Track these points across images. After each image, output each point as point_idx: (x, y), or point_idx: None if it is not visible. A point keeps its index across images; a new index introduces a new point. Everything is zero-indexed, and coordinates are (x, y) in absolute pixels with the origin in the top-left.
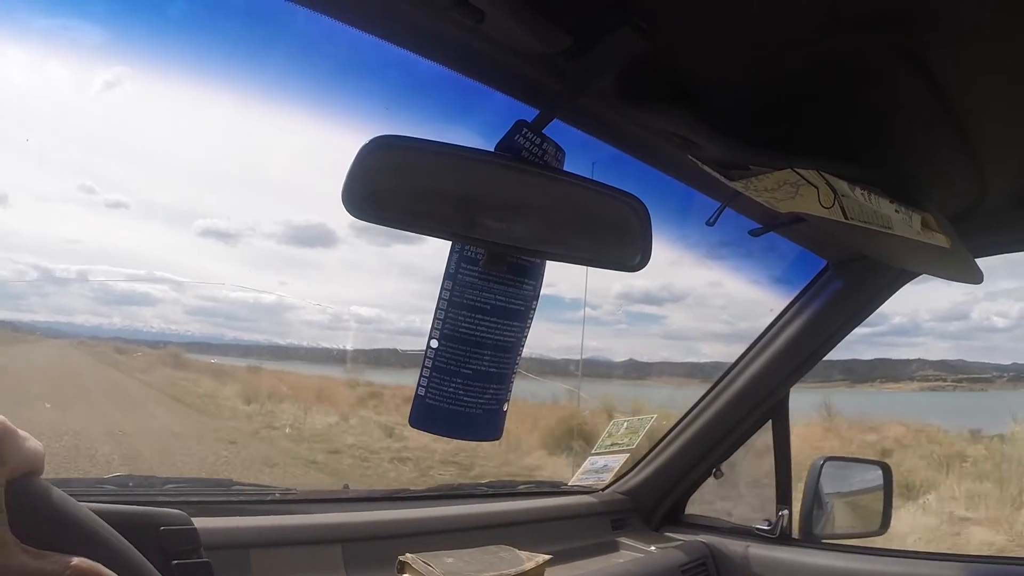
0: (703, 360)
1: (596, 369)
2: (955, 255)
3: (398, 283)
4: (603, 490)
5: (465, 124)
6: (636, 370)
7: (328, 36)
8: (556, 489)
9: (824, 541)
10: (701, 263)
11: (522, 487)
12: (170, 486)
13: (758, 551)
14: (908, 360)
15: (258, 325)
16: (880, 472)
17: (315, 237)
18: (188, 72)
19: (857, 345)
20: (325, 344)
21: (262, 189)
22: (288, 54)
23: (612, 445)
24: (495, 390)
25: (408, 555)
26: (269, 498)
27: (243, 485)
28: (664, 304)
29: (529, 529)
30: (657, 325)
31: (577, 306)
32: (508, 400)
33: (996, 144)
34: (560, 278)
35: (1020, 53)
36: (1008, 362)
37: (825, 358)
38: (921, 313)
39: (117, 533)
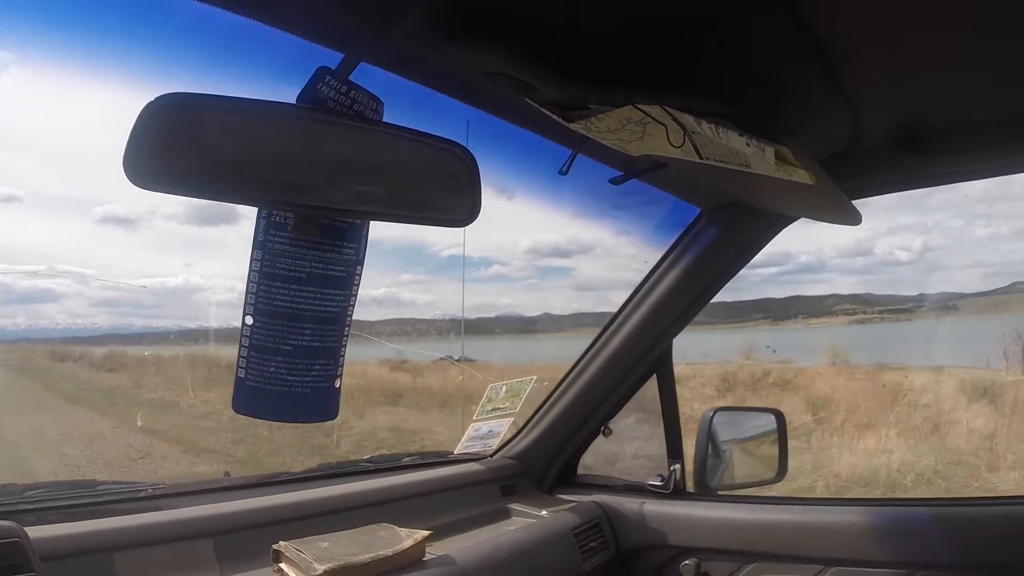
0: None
1: (516, 325)
2: (827, 195)
3: None
4: (491, 456)
5: (264, 76)
6: (553, 323)
7: None
8: (442, 459)
9: (720, 493)
10: (581, 216)
11: (407, 459)
12: (31, 493)
13: (653, 507)
14: (823, 296)
15: (167, 311)
16: (773, 419)
17: (218, 215)
18: (68, 57)
19: (764, 285)
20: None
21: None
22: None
23: (493, 410)
24: (322, 366)
25: (282, 543)
26: (137, 495)
27: (109, 484)
28: (573, 256)
29: (415, 503)
30: (568, 277)
31: (488, 263)
32: (340, 375)
33: (867, 84)
34: (459, 237)
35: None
36: (914, 293)
37: (736, 299)
38: (826, 250)
39: None
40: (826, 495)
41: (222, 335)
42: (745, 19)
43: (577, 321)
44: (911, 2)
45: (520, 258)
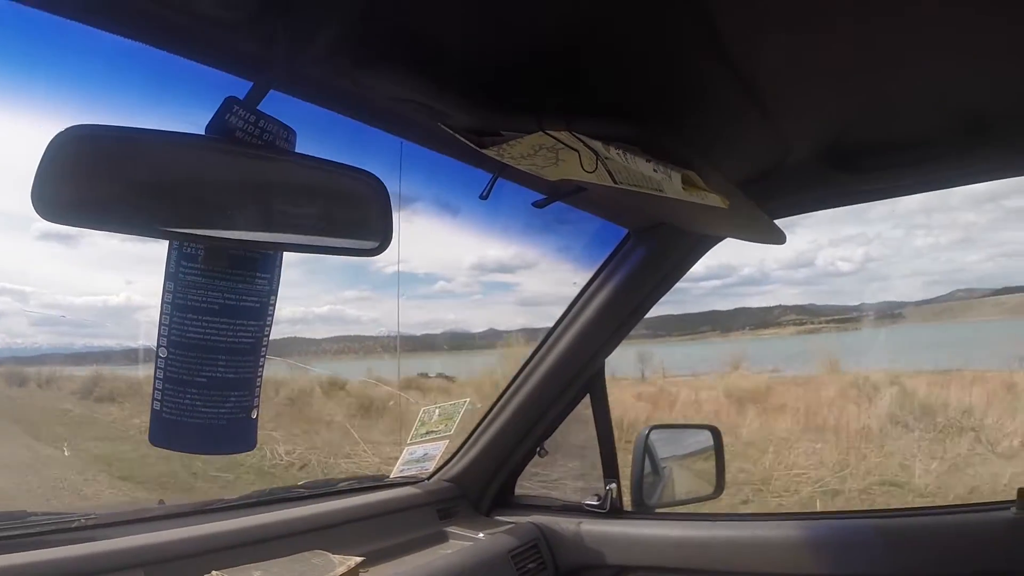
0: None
1: (460, 341)
2: (748, 217)
3: None
4: (428, 479)
5: (172, 106)
6: (498, 338)
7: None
8: (378, 483)
9: (658, 511)
10: (521, 233)
11: (342, 484)
12: None
13: (590, 527)
14: (768, 307)
15: (108, 330)
16: (710, 435)
17: None
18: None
19: (708, 298)
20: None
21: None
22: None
23: (427, 433)
24: (238, 397)
25: (214, 572)
26: (69, 526)
27: (39, 515)
28: (517, 271)
29: (351, 528)
30: (512, 293)
31: (432, 280)
32: (256, 406)
33: (788, 103)
34: (411, 255)
35: (808, 4)
36: (856, 303)
37: (683, 312)
38: (769, 262)
39: None
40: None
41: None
42: (650, 36)
43: (528, 336)
44: (831, 21)
45: (465, 274)
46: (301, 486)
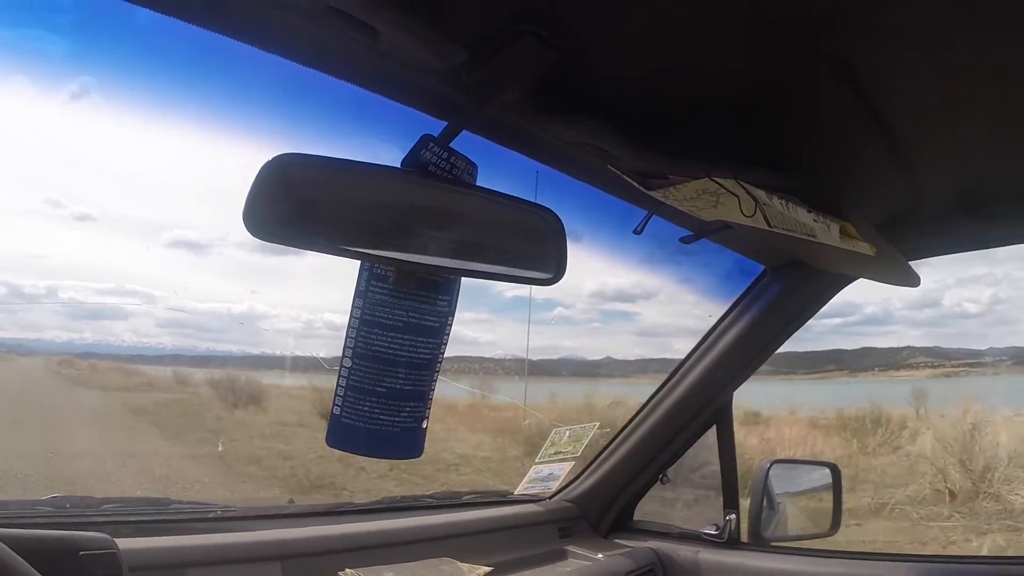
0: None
1: (579, 368)
2: (887, 260)
3: None
4: (550, 498)
5: (372, 140)
6: (617, 368)
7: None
8: (502, 499)
9: (773, 544)
10: (649, 268)
11: (467, 497)
12: (107, 506)
13: (707, 556)
14: (897, 348)
15: (231, 335)
16: (828, 472)
17: (286, 247)
18: (151, 85)
19: (829, 335)
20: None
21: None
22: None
23: (556, 454)
24: (412, 408)
25: (348, 570)
26: (208, 516)
27: (181, 503)
28: (637, 301)
29: (475, 540)
30: (632, 322)
31: (551, 306)
32: (427, 417)
33: (927, 151)
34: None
35: (948, 58)
36: (984, 347)
37: (804, 350)
38: (893, 302)
39: (27, 565)
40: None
41: (285, 363)
42: (811, 97)
43: (642, 367)
44: (969, 71)
45: (584, 301)
46: (428, 496)
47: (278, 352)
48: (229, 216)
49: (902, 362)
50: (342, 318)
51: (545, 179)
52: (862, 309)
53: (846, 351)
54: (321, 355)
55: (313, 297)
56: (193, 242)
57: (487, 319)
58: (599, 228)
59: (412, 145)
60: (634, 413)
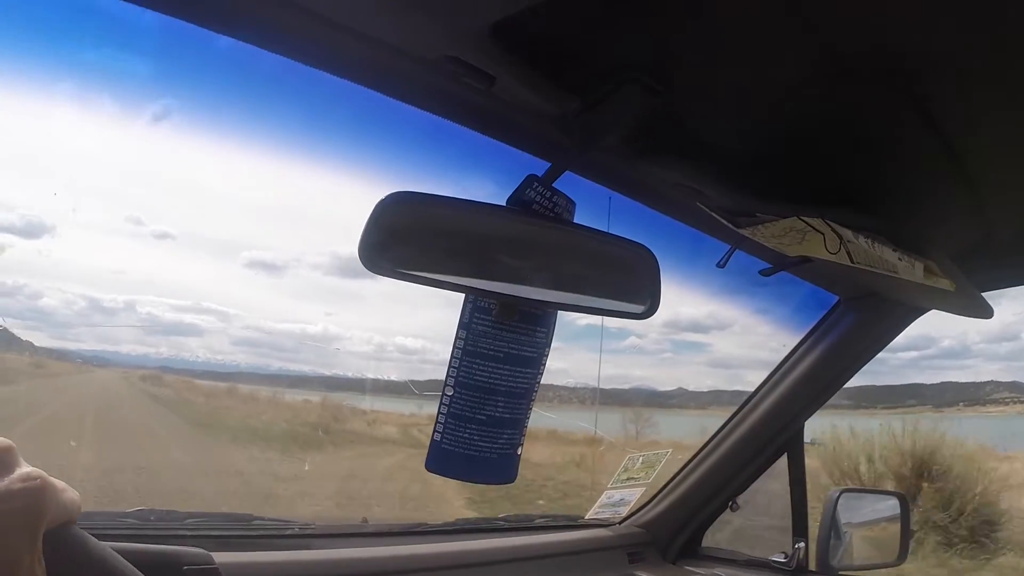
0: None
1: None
2: (962, 293)
3: (441, 313)
4: (620, 523)
5: (479, 178)
6: (691, 399)
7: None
8: (573, 523)
9: (841, 573)
10: (723, 299)
11: (539, 521)
12: (190, 520)
13: None
14: (979, 383)
15: (303, 356)
16: (896, 503)
17: (360, 269)
18: (232, 109)
19: (905, 370)
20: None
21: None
22: (325, 108)
23: (628, 479)
24: (509, 435)
25: None
26: (288, 532)
27: (263, 519)
28: (710, 332)
29: (546, 563)
30: (704, 353)
31: (624, 335)
32: (522, 444)
33: (1000, 184)
34: None
35: (1021, 94)
36: None
37: (880, 383)
38: (970, 335)
39: None
40: None
41: (356, 385)
42: (892, 138)
43: (715, 398)
44: None
45: (657, 331)
46: (500, 518)
47: (350, 374)
48: (305, 238)
49: (986, 397)
50: (413, 342)
51: (618, 205)
52: (938, 343)
53: (925, 385)
54: (393, 377)
55: (385, 320)
56: (269, 263)
57: (558, 347)
58: (675, 259)
59: (517, 184)
60: (706, 440)
